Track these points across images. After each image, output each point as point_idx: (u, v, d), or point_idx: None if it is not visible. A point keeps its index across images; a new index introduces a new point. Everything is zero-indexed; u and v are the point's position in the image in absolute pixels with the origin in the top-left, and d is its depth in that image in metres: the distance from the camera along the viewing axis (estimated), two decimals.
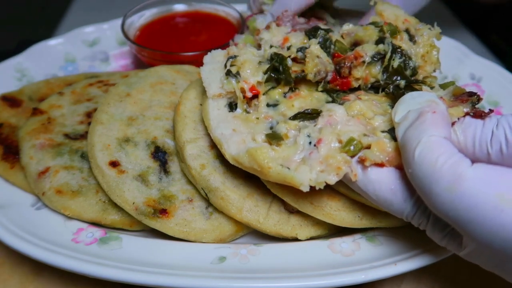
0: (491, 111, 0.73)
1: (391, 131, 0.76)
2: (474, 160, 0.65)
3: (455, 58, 1.35)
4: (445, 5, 2.14)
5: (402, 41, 0.93)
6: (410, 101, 0.73)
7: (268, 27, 1.06)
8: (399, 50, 0.91)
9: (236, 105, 0.90)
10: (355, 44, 0.96)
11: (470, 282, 0.96)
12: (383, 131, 0.77)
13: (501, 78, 1.27)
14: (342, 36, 0.98)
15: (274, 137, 0.81)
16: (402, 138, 0.69)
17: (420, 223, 0.73)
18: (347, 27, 1.01)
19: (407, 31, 0.96)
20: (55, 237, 0.88)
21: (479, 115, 0.72)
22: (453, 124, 0.73)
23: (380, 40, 0.93)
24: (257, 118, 0.88)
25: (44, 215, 0.94)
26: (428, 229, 0.73)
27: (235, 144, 0.83)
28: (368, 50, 0.91)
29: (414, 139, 0.66)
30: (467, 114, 0.73)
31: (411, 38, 0.96)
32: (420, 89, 0.86)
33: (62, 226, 0.92)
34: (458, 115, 0.73)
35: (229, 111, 0.91)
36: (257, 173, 0.79)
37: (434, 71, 0.96)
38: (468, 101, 0.75)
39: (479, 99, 0.75)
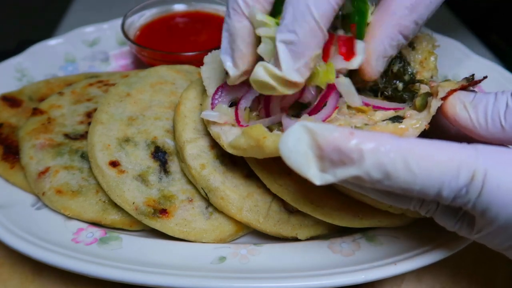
0: (485, 77, 0.74)
1: (393, 119, 0.76)
2: (487, 136, 0.65)
3: (455, 58, 1.35)
4: (445, 5, 2.14)
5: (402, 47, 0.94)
6: None
7: None
8: (398, 55, 0.91)
9: (236, 103, 0.90)
10: None
11: (471, 282, 0.97)
12: (384, 120, 0.77)
13: (501, 78, 1.27)
14: None
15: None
16: None
17: (428, 210, 0.71)
18: None
19: None
20: (55, 237, 0.88)
21: (474, 83, 0.73)
22: (446, 97, 0.72)
23: None
24: (258, 115, 0.88)
25: (44, 215, 0.94)
26: (436, 216, 0.71)
27: (233, 136, 0.83)
28: None
29: None
30: (462, 87, 0.73)
31: (410, 44, 0.97)
32: (418, 90, 0.86)
33: (62, 226, 0.92)
34: (451, 87, 0.73)
35: None
36: (254, 151, 0.77)
37: (431, 77, 0.97)
38: (463, 80, 0.75)
39: (473, 77, 0.75)
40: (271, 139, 0.73)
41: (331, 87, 0.78)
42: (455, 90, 0.73)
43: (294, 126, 0.58)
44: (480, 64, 1.33)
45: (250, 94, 0.85)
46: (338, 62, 0.77)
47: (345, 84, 0.77)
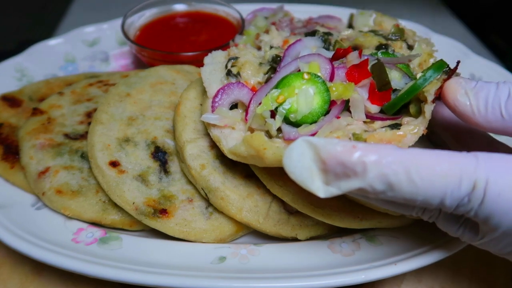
0: (458, 62, 0.76)
1: (392, 126, 0.76)
2: (484, 124, 0.66)
3: (455, 58, 1.35)
4: (445, 5, 2.14)
5: (401, 49, 0.94)
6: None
7: (267, 31, 1.07)
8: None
9: (236, 105, 0.90)
10: (354, 48, 0.96)
11: (470, 282, 0.97)
12: (383, 127, 0.77)
13: (501, 78, 1.27)
14: (341, 40, 0.99)
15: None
16: None
17: (431, 216, 0.71)
18: (347, 32, 1.02)
19: (405, 41, 0.98)
20: (55, 237, 0.88)
21: (452, 72, 0.73)
22: (435, 99, 0.73)
23: (379, 47, 0.93)
24: None
25: (44, 215, 0.94)
26: (439, 222, 0.72)
27: (234, 140, 0.83)
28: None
29: None
30: (444, 81, 0.73)
31: (409, 47, 0.97)
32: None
33: (62, 226, 0.92)
34: (435, 88, 0.73)
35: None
36: (255, 160, 0.78)
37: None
38: (442, 74, 0.75)
39: (450, 68, 0.75)
40: (271, 151, 0.74)
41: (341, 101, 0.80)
42: (440, 88, 0.73)
43: (297, 141, 0.59)
44: (480, 64, 1.33)
45: (260, 92, 0.84)
46: None
47: (358, 101, 0.78)
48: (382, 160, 0.56)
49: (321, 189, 0.59)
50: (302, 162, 0.58)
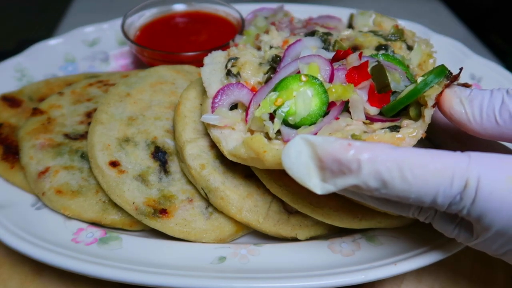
0: (461, 69, 0.77)
1: (391, 128, 0.76)
2: (480, 131, 0.67)
3: (455, 58, 1.35)
4: (445, 5, 2.14)
5: (401, 50, 0.95)
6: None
7: (267, 31, 1.07)
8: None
9: (236, 105, 0.90)
10: (354, 48, 0.96)
11: (470, 282, 0.97)
12: (382, 128, 0.77)
13: (501, 78, 1.27)
14: (341, 40, 0.99)
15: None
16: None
17: (427, 217, 0.72)
18: (347, 32, 1.02)
19: (404, 41, 0.98)
20: (55, 237, 0.88)
21: (454, 79, 0.73)
22: (435, 103, 0.73)
23: (379, 47, 0.93)
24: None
25: (44, 215, 0.94)
26: (435, 222, 0.73)
27: (234, 141, 0.83)
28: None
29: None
30: (445, 87, 0.73)
31: (409, 48, 0.97)
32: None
33: (62, 226, 0.92)
34: (436, 92, 0.73)
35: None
36: (255, 162, 0.79)
37: None
38: (443, 79, 0.75)
39: (451, 73, 0.75)
40: (271, 153, 0.74)
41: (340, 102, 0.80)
42: (441, 94, 0.73)
43: (295, 139, 0.61)
44: (480, 64, 1.33)
45: (260, 93, 0.84)
46: None
47: (357, 101, 0.78)
48: (376, 158, 0.57)
49: (318, 185, 0.60)
50: (300, 159, 0.60)
